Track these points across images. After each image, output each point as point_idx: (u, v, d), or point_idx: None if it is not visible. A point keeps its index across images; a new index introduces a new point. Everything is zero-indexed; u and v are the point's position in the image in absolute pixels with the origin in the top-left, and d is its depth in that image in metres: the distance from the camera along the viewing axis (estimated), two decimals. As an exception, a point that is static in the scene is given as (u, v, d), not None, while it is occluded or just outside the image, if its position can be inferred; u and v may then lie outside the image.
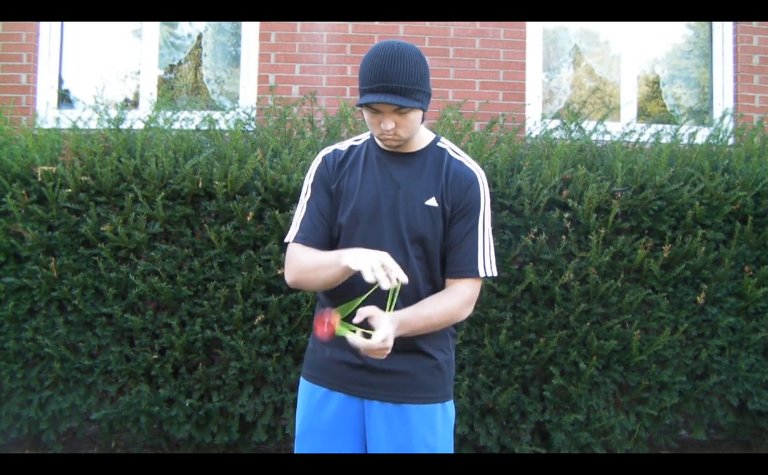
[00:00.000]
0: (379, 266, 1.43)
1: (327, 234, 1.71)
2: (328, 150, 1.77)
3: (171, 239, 2.93)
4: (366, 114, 1.61)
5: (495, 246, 2.12)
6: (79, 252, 2.88)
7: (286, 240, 1.75)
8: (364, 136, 1.78)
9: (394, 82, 1.52)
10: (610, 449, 3.02)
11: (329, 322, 1.48)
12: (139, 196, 2.84)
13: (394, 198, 1.66)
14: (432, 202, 1.66)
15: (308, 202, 1.73)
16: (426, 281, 1.67)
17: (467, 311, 1.68)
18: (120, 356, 2.88)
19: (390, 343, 1.47)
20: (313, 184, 1.75)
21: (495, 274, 1.71)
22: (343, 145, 1.78)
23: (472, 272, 1.66)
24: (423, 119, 1.66)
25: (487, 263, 1.68)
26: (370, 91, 1.54)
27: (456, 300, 1.65)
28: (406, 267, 1.60)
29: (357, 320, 1.46)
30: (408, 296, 1.62)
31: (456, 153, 1.73)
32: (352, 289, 1.60)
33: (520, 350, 2.88)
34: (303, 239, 1.70)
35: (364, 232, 1.66)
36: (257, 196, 2.84)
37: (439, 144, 1.73)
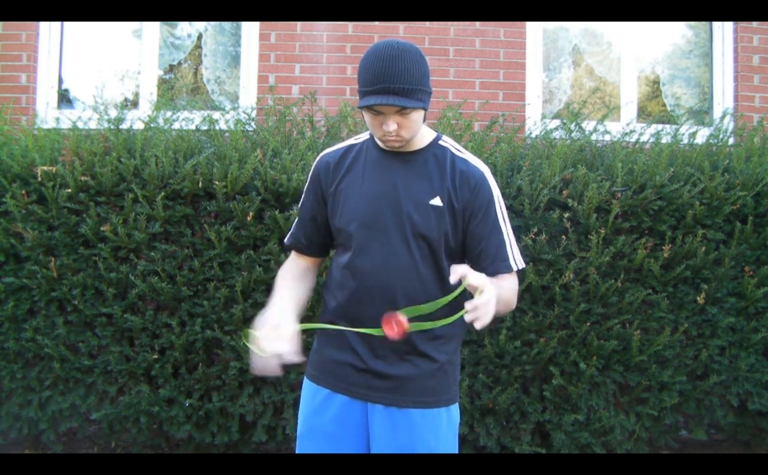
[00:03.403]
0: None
1: (317, 238, 1.78)
2: (325, 153, 1.76)
3: (171, 239, 2.93)
4: (367, 116, 1.57)
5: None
6: (79, 252, 2.88)
7: (285, 240, 1.88)
8: (364, 135, 1.75)
9: (396, 82, 1.48)
10: (610, 449, 3.02)
11: (398, 321, 1.46)
12: (139, 196, 2.84)
13: (397, 199, 1.63)
14: (437, 201, 1.62)
15: (301, 206, 1.79)
16: (434, 281, 1.64)
17: (516, 301, 1.70)
18: (120, 356, 2.88)
19: (489, 299, 1.39)
20: (308, 189, 1.77)
21: (524, 266, 1.72)
22: (341, 146, 1.76)
23: (507, 269, 1.66)
24: (425, 119, 1.63)
25: (517, 256, 1.69)
26: (372, 92, 1.50)
27: (512, 285, 1.67)
28: (414, 268, 1.62)
29: (453, 278, 1.41)
30: (418, 299, 1.61)
31: (459, 151, 1.70)
32: (356, 302, 1.65)
33: (520, 350, 2.88)
34: (294, 245, 1.81)
35: (367, 234, 1.63)
36: (257, 196, 2.84)
37: (440, 142, 1.70)
